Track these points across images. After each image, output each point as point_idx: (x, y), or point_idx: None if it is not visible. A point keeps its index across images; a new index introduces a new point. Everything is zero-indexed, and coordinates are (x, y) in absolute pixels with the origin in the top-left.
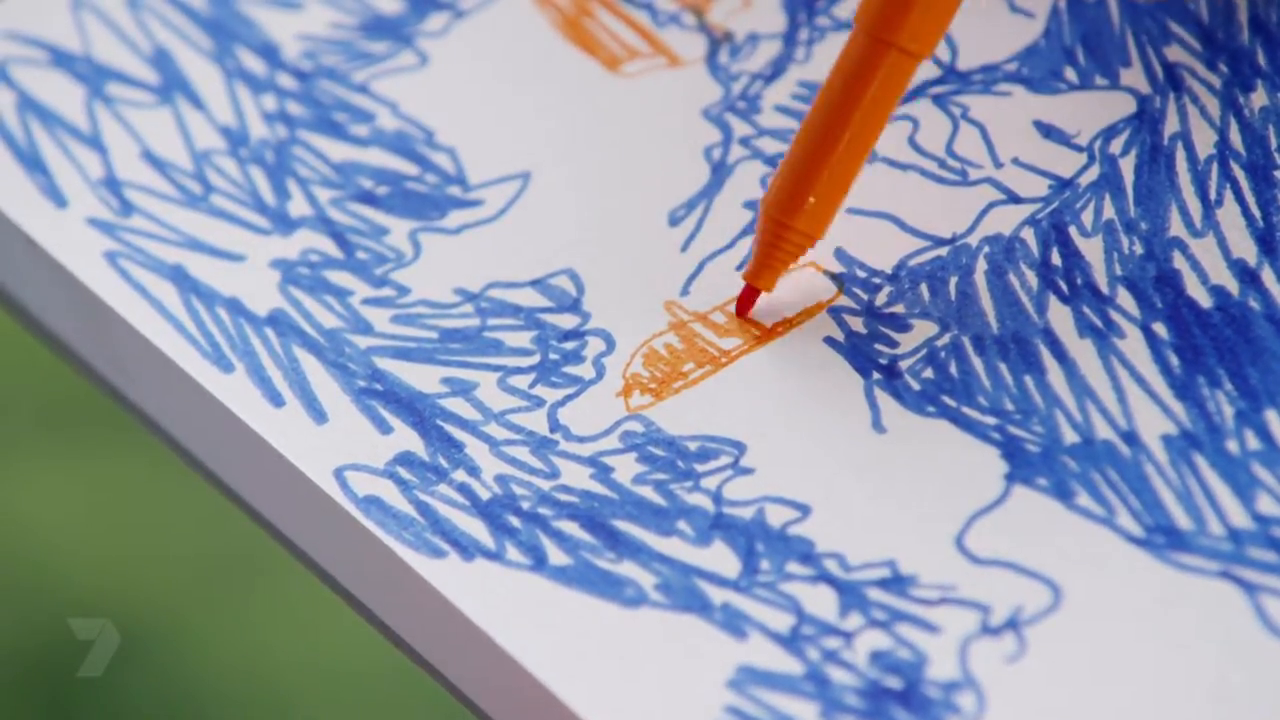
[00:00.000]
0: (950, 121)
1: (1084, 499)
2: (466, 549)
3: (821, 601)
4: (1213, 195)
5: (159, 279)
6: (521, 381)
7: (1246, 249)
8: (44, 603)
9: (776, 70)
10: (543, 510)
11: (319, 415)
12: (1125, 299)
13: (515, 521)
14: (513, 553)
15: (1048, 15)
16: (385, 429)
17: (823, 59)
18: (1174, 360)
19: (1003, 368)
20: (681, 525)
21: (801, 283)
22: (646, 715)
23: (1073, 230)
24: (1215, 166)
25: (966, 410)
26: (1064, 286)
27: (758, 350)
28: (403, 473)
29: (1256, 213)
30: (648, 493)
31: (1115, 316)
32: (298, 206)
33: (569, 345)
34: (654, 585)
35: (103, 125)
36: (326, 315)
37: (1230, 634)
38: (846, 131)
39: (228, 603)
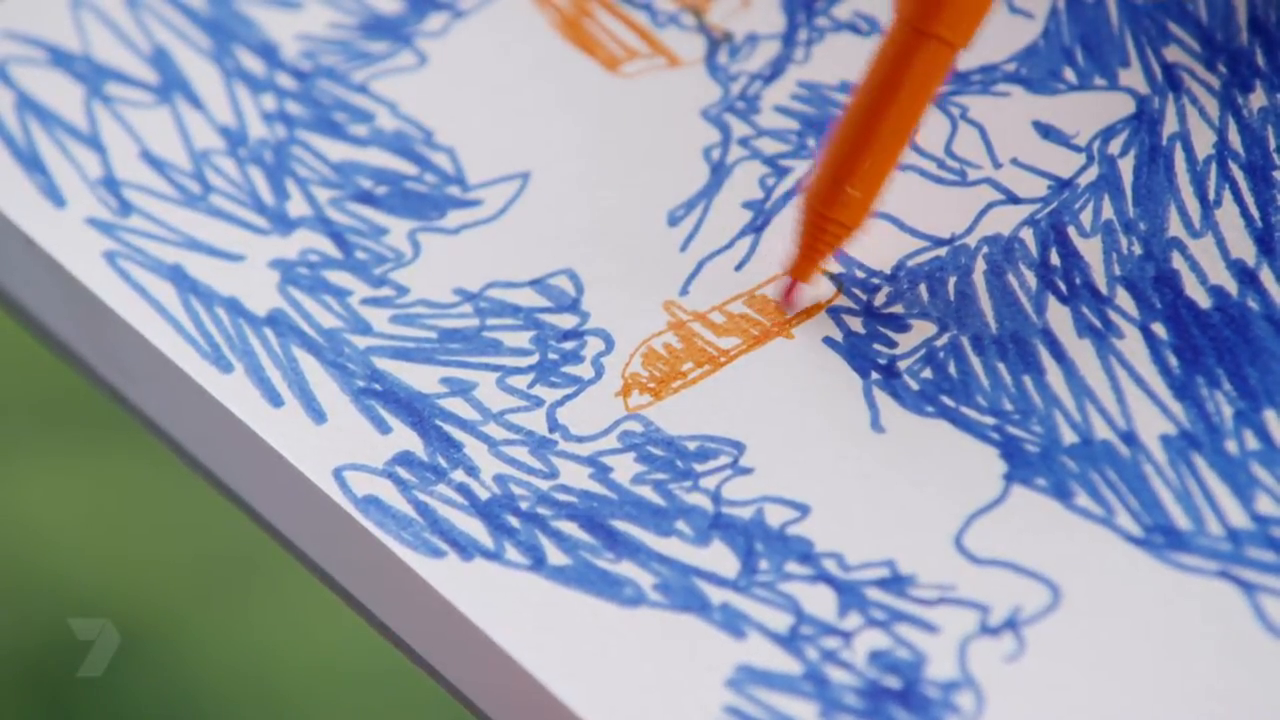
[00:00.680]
0: (949, 122)
1: (1083, 499)
2: (465, 549)
3: (820, 601)
4: (1211, 196)
5: (158, 279)
6: (520, 381)
7: (1245, 249)
8: (44, 603)
9: (775, 71)
10: (541, 510)
11: (318, 415)
12: (1124, 299)
13: (514, 521)
14: (511, 552)
15: (1047, 16)
16: (384, 429)
17: (822, 60)
18: (1173, 360)
19: (1001, 368)
20: (680, 525)
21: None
22: (645, 715)
23: (1071, 230)
24: (1214, 167)
25: (965, 410)
26: (1063, 287)
27: (756, 350)
28: (402, 473)
29: (1255, 213)
30: (646, 492)
31: (1114, 317)
32: (297, 206)
33: (568, 345)
34: (653, 585)
35: (101, 125)
36: (325, 315)
37: (1229, 633)
38: (886, 122)
39: (227, 603)
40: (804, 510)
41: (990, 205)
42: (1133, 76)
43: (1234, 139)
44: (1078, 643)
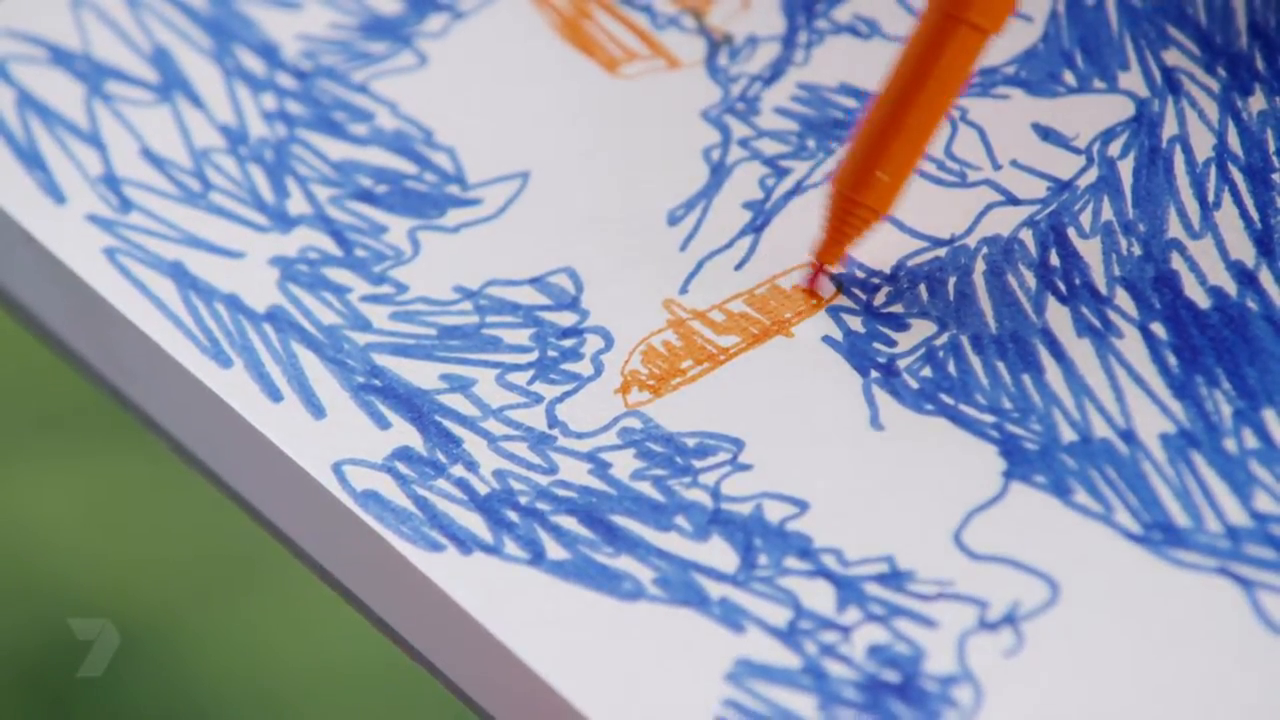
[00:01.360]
0: (949, 123)
1: (1082, 496)
2: (464, 543)
3: (819, 596)
4: (1211, 197)
5: (158, 275)
6: (520, 378)
7: (1244, 250)
8: (44, 602)
9: (775, 72)
10: (541, 505)
11: (317, 410)
12: (1123, 299)
13: (513, 516)
14: (511, 547)
15: (1046, 19)
16: (384, 424)
17: (821, 62)
18: (1172, 360)
19: (1001, 367)
20: (679, 520)
21: (799, 282)
22: (644, 709)
23: (1071, 232)
24: (1213, 169)
25: (965, 408)
26: (1062, 287)
27: (756, 348)
28: (401, 467)
29: (1254, 215)
30: (646, 488)
31: (1113, 317)
32: (297, 204)
33: (567, 342)
34: (652, 580)
35: (102, 123)
36: (325, 312)
37: (1227, 630)
38: (917, 108)
39: (227, 602)
40: (803, 506)
41: (990, 206)
42: (1132, 79)
43: (1233, 142)
44: (1076, 638)
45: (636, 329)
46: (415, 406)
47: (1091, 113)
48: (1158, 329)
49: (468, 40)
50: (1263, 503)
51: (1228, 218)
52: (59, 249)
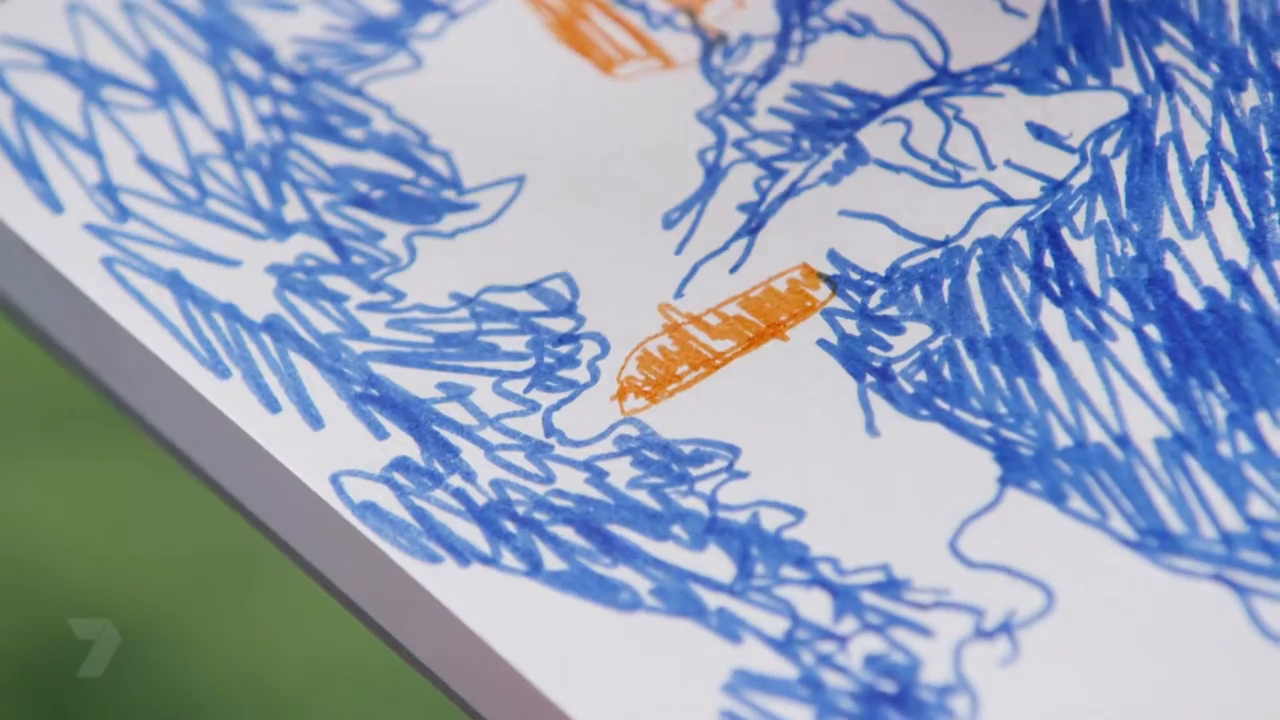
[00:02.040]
0: (943, 123)
1: (1077, 502)
2: (462, 554)
3: (816, 605)
4: (1204, 196)
5: (155, 285)
6: (517, 386)
7: (1238, 250)
8: (44, 603)
9: (770, 72)
10: (538, 515)
11: (315, 421)
12: (1117, 301)
13: (511, 526)
14: (508, 558)
15: (1040, 15)
16: (381, 434)
17: (816, 60)
18: (1166, 362)
19: (996, 370)
20: (676, 529)
21: (795, 284)
22: None
23: (1065, 232)
24: (1207, 167)
25: (960, 413)
26: (1056, 289)
27: (751, 352)
28: (399, 478)
29: (1248, 214)
30: (642, 497)
31: (1107, 319)
32: (293, 211)
33: (564, 349)
34: (649, 590)
35: (98, 130)
36: (322, 320)
37: (1223, 636)
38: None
39: (227, 603)
40: (799, 514)
41: (984, 206)
42: (1125, 76)
43: (1227, 139)
44: (1072, 646)
45: (633, 334)
46: (413, 416)
47: (1085, 110)
48: (1151, 331)
49: (463, 41)
50: (1257, 508)
51: (1221, 217)
52: (57, 260)
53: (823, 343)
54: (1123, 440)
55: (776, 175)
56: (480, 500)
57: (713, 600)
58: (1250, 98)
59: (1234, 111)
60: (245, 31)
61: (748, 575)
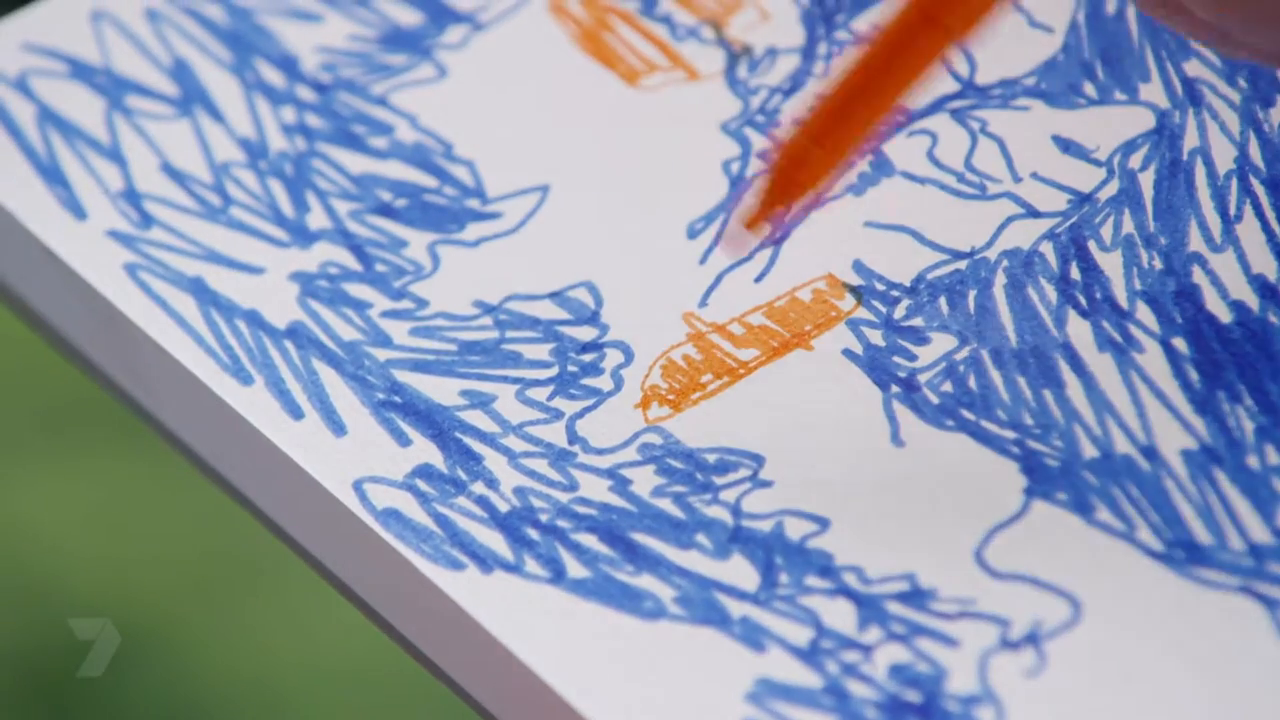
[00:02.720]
0: (969, 136)
1: (1104, 513)
2: (485, 561)
3: (840, 615)
4: (1232, 210)
5: (178, 291)
6: (540, 394)
7: (1266, 264)
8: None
9: (795, 84)
10: (561, 523)
11: (338, 428)
12: (1145, 314)
13: (534, 534)
14: (531, 565)
15: (1067, 30)
16: (404, 441)
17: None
18: (1194, 375)
19: (1022, 382)
20: (700, 538)
21: (820, 294)
22: None
23: (1092, 245)
24: (1235, 182)
25: (985, 424)
26: (1083, 301)
27: (775, 362)
28: (421, 485)
29: (1276, 228)
30: (666, 505)
31: (1135, 331)
32: (317, 219)
33: (587, 357)
34: (673, 598)
35: (122, 137)
36: (345, 328)
37: (1251, 649)
38: (873, 100)
39: (228, 604)
40: (824, 524)
41: (1010, 219)
42: (1153, 91)
43: (1255, 154)
44: (1098, 657)
45: (656, 343)
46: (436, 423)
47: (1112, 124)
48: (1179, 344)
49: (487, 52)
50: None
51: (1249, 231)
52: (80, 265)
53: (848, 353)
54: (1150, 452)
55: None
56: (503, 508)
57: (736, 609)
58: (1279, 113)
59: (1262, 127)
60: (269, 41)
61: (772, 584)
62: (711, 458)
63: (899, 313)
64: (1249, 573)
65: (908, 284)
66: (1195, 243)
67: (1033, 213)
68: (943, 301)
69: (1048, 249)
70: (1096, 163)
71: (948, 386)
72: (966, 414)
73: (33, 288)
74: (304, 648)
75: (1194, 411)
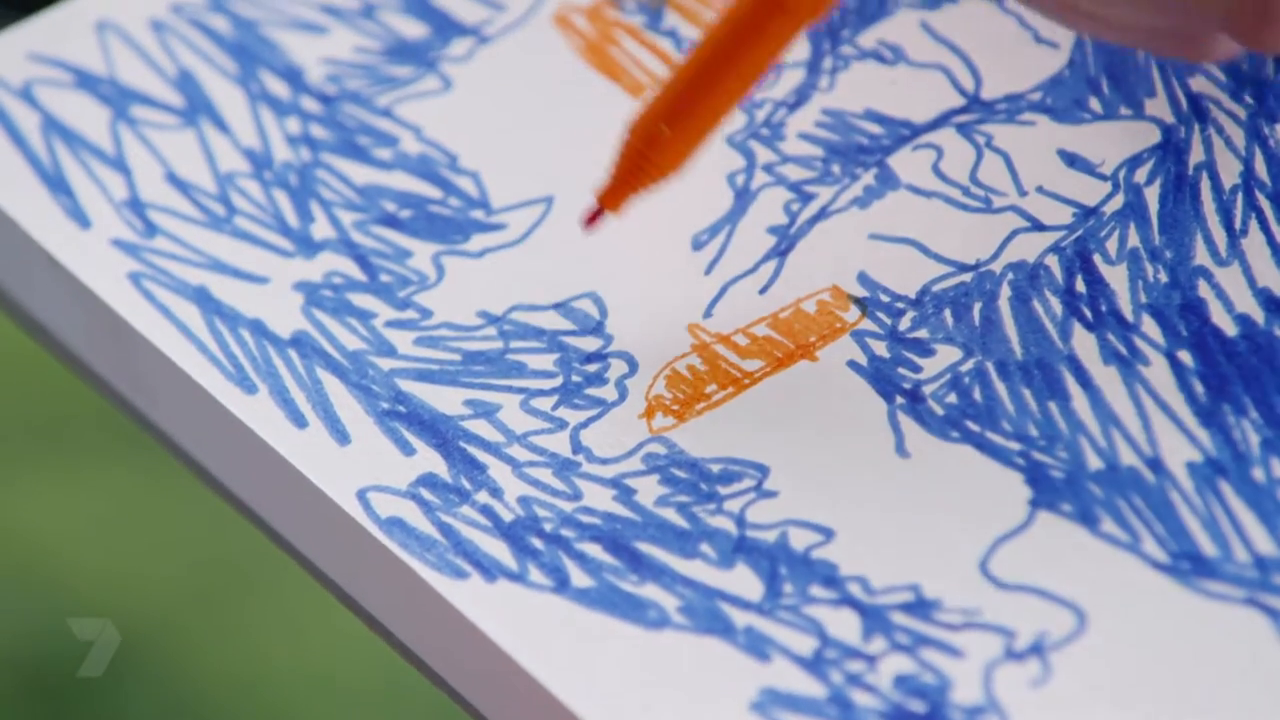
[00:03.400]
0: (974, 150)
1: (1109, 525)
2: (489, 570)
3: (845, 625)
4: (1238, 224)
5: (182, 300)
6: (544, 403)
7: (1272, 278)
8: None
9: (800, 98)
10: (565, 532)
11: (342, 436)
12: (1150, 326)
13: (538, 543)
14: (535, 574)
15: (1072, 46)
16: (408, 450)
17: (846, 87)
18: (1199, 388)
19: (1027, 393)
20: (704, 548)
21: (825, 306)
22: None
23: (1097, 258)
24: (1240, 196)
25: (991, 435)
26: (1088, 313)
27: (780, 373)
28: (425, 494)
29: None
30: (670, 515)
31: (1140, 344)
32: (321, 229)
33: (592, 367)
34: (677, 607)
35: (127, 147)
36: (350, 337)
37: (1255, 660)
38: (721, 80)
39: (229, 611)
40: (828, 534)
41: (1015, 232)
42: (1158, 106)
43: (1260, 169)
44: (1103, 668)
45: (661, 353)
46: (440, 432)
47: (1118, 139)
48: (1184, 356)
49: (492, 64)
50: None
51: (1255, 245)
52: (84, 274)
53: (852, 364)
54: (1155, 464)
55: (807, 199)
56: (507, 517)
57: (741, 619)
58: None
59: (1268, 142)
60: (274, 52)
61: (776, 594)
62: (716, 468)
63: (904, 324)
64: (1254, 585)
65: (913, 296)
66: (1201, 256)
67: (1038, 226)
68: (948, 314)
69: (1053, 262)
70: (1102, 177)
71: (953, 398)
72: (971, 425)
73: (36, 296)
74: (305, 656)
75: (1199, 424)
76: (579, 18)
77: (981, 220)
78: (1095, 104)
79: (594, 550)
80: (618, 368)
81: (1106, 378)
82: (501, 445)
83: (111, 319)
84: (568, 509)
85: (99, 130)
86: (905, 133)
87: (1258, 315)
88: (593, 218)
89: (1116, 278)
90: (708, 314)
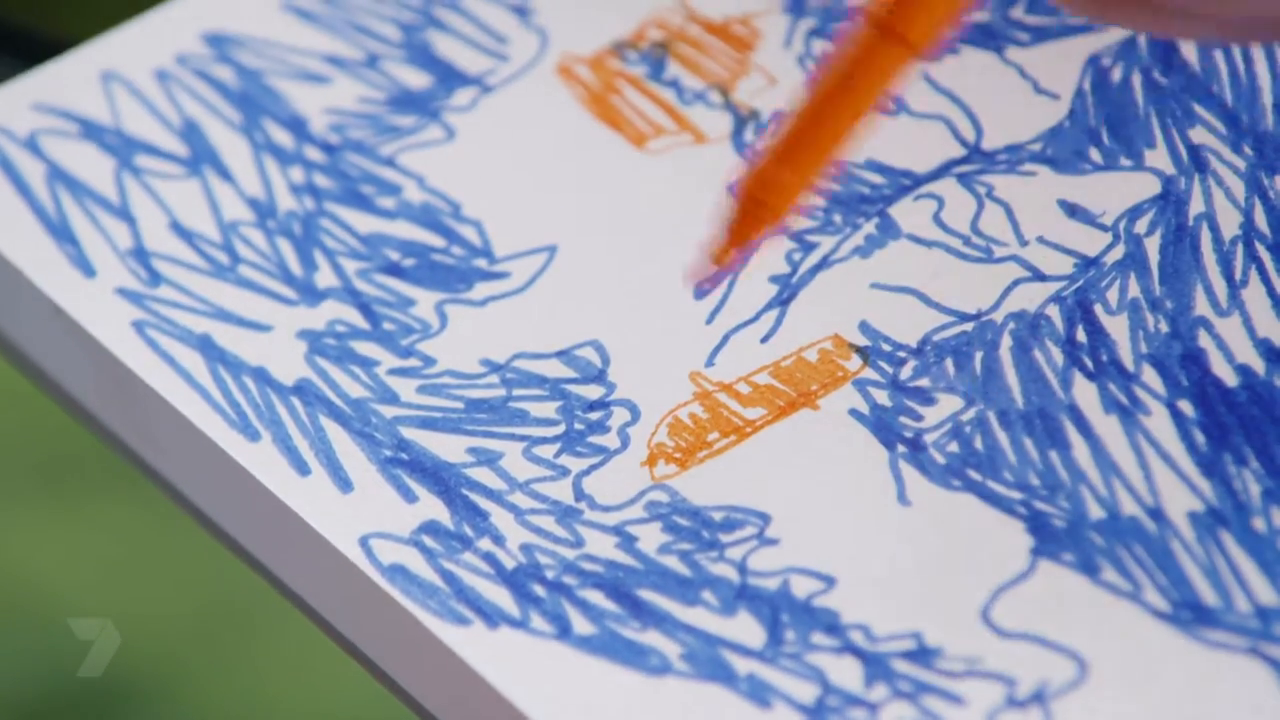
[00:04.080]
0: (975, 200)
1: (1110, 574)
2: (491, 617)
3: (847, 672)
4: (1238, 275)
5: (186, 348)
6: (547, 451)
7: (1272, 328)
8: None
9: None
10: (567, 579)
11: (345, 484)
12: (1151, 376)
13: (540, 590)
14: (537, 621)
15: (1072, 97)
16: (411, 498)
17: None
18: (1200, 438)
19: (1028, 443)
20: (706, 595)
21: (826, 355)
22: None
23: (1098, 308)
24: (1240, 247)
25: (992, 484)
26: (1089, 363)
27: (782, 421)
28: (428, 541)
29: None
30: (672, 562)
31: (1141, 394)
32: (324, 277)
33: (594, 415)
34: (679, 654)
35: (131, 196)
36: (353, 385)
37: (1258, 711)
38: (835, 118)
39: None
40: (830, 581)
41: (1016, 282)
42: (1158, 157)
43: (1260, 220)
44: (1104, 717)
45: (663, 401)
46: (442, 480)
47: (1118, 190)
48: (1185, 407)
49: (496, 114)
50: None
51: (1255, 296)
52: (89, 322)
53: (854, 412)
54: (1156, 514)
55: (808, 248)
56: (509, 564)
57: (743, 666)
58: None
59: (1268, 193)
60: (278, 102)
61: (778, 641)
62: (718, 515)
63: (905, 373)
64: (1256, 634)
65: (914, 345)
66: (1201, 307)
67: (1039, 276)
68: (949, 363)
69: (1054, 312)
70: (1102, 227)
71: (954, 447)
72: (973, 474)
73: (41, 344)
74: (306, 700)
75: (1200, 474)
76: (581, 68)
77: (983, 270)
78: (1095, 154)
79: (596, 597)
80: (620, 415)
81: (1107, 427)
82: (504, 493)
83: (116, 367)
84: (570, 556)
85: (104, 179)
86: (906, 182)
87: (1258, 366)
88: (711, 278)
89: (1117, 328)
90: (709, 362)
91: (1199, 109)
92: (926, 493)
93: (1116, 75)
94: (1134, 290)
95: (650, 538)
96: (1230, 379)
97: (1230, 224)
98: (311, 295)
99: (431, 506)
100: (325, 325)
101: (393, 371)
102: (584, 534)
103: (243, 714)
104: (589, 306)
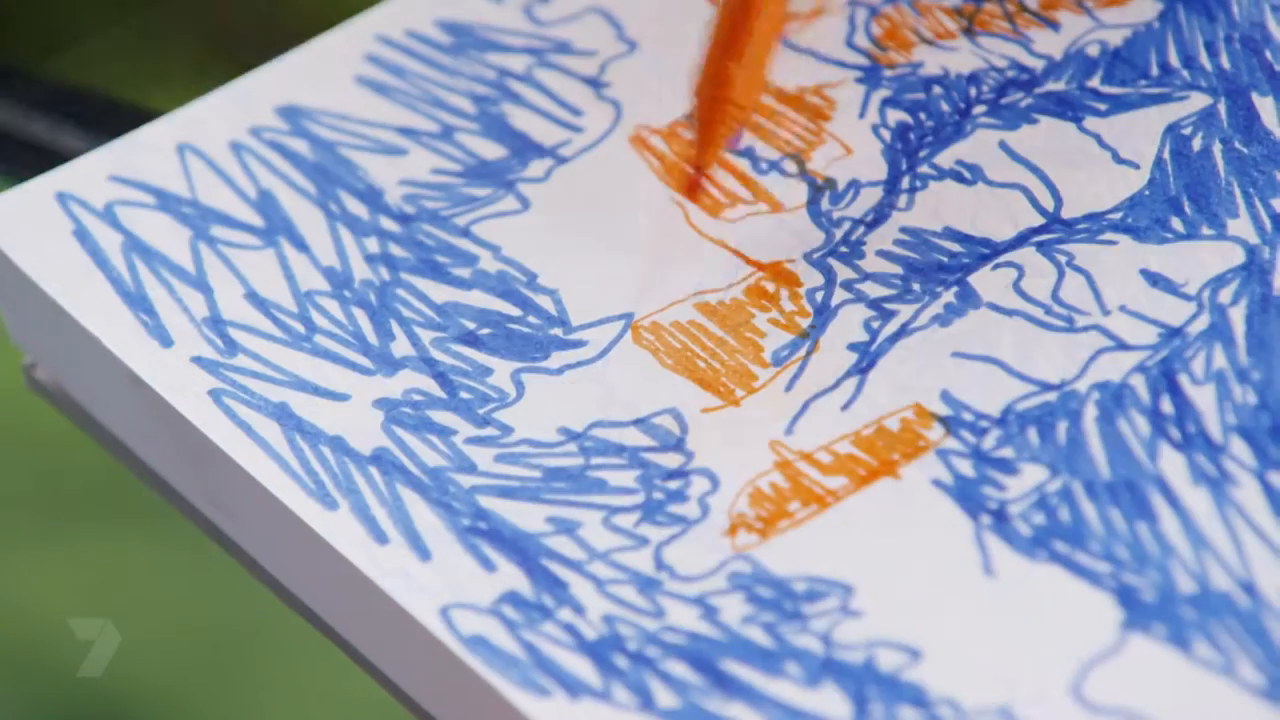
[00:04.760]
0: (1055, 269)
1: (1203, 649)
2: (572, 688)
3: None
4: None
5: (263, 417)
6: (626, 520)
7: None
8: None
9: (879, 217)
10: (649, 650)
11: (423, 553)
12: (1240, 448)
13: (622, 661)
14: (620, 693)
15: (1152, 165)
16: (490, 567)
17: (925, 206)
18: None
19: (1115, 514)
20: (790, 667)
21: (908, 424)
22: None
23: (1183, 378)
24: None
25: (1079, 556)
26: (1176, 434)
27: (864, 490)
28: (508, 611)
29: None
30: (756, 634)
31: (1230, 466)
32: (400, 347)
33: (673, 484)
34: None
35: (207, 266)
36: (430, 454)
37: None
38: (761, 11)
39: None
40: (916, 655)
41: (1099, 351)
42: (1241, 226)
43: None
44: None
45: (743, 470)
46: (521, 549)
47: (1201, 259)
48: (1276, 479)
49: (570, 184)
50: None
51: None
52: (166, 391)
53: (937, 482)
54: (1249, 587)
55: (887, 316)
56: (590, 634)
57: None
58: None
59: None
60: (353, 173)
61: (864, 715)
62: (800, 586)
63: (988, 443)
64: None
65: (997, 415)
66: None
67: (1122, 345)
68: (1032, 433)
69: (1139, 382)
70: (1186, 297)
71: (1040, 518)
72: (1059, 545)
73: (118, 414)
74: None
75: None
76: (655, 138)
77: (1065, 339)
78: (1177, 223)
79: (679, 669)
80: (700, 484)
81: (1196, 499)
82: (583, 562)
83: (194, 435)
84: (651, 627)
85: (180, 250)
86: (985, 251)
87: None
88: (693, 185)
89: (1204, 399)
90: (789, 431)
91: None
92: (1012, 564)
93: (1197, 144)
94: (1220, 361)
95: (732, 609)
96: None
97: None
98: (388, 365)
99: (511, 576)
100: (402, 394)
101: (470, 440)
102: (665, 604)
103: None
104: (666, 374)
